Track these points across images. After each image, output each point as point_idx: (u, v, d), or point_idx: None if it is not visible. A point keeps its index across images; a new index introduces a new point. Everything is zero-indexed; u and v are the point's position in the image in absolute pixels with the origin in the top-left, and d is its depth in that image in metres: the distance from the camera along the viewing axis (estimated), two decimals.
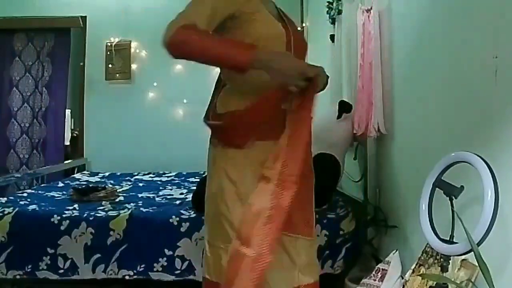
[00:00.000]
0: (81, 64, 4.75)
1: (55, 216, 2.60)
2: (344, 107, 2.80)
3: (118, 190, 3.33)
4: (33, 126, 4.69)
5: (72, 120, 4.82)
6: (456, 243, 1.38)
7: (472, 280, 1.43)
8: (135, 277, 2.52)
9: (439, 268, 1.55)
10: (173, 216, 2.60)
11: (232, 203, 1.52)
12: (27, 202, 2.96)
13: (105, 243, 2.53)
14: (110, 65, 4.72)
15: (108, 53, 4.71)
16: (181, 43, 1.34)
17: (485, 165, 1.31)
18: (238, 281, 1.37)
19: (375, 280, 2.03)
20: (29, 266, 2.53)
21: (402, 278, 1.96)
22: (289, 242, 1.55)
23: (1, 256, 2.53)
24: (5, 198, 3.09)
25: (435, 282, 1.48)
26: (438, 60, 1.93)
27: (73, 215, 2.64)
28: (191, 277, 2.52)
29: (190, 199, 2.86)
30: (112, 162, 4.61)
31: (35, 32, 4.70)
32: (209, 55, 1.40)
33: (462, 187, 1.41)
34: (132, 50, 4.74)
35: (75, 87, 4.80)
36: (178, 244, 2.53)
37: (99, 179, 4.08)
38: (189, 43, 1.35)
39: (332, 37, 3.41)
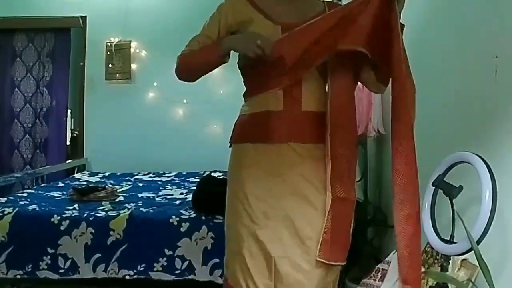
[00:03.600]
0: (81, 64, 4.75)
1: (55, 216, 2.61)
2: None
3: (118, 190, 3.33)
4: (36, 126, 4.69)
5: (72, 120, 4.82)
6: (456, 243, 1.38)
7: (472, 280, 1.43)
8: (135, 276, 2.53)
9: (439, 268, 1.55)
10: (173, 216, 2.60)
11: None
12: (27, 202, 2.96)
13: (105, 243, 2.54)
14: (110, 65, 4.71)
15: (108, 53, 4.70)
16: (178, 68, 1.68)
17: (483, 164, 1.30)
18: None
19: (375, 280, 2.02)
20: (30, 266, 2.53)
21: None
22: None
23: (1, 256, 2.53)
24: (5, 198, 3.09)
25: (435, 282, 1.47)
26: (438, 60, 1.93)
27: (73, 215, 2.64)
28: (191, 277, 2.52)
29: (190, 199, 2.86)
30: (112, 162, 4.60)
31: (35, 32, 4.69)
32: (197, 65, 1.68)
33: (461, 186, 1.41)
34: (132, 50, 4.73)
35: (75, 87, 4.80)
36: (178, 244, 2.53)
37: (99, 179, 4.08)
38: (182, 64, 1.67)
39: None
